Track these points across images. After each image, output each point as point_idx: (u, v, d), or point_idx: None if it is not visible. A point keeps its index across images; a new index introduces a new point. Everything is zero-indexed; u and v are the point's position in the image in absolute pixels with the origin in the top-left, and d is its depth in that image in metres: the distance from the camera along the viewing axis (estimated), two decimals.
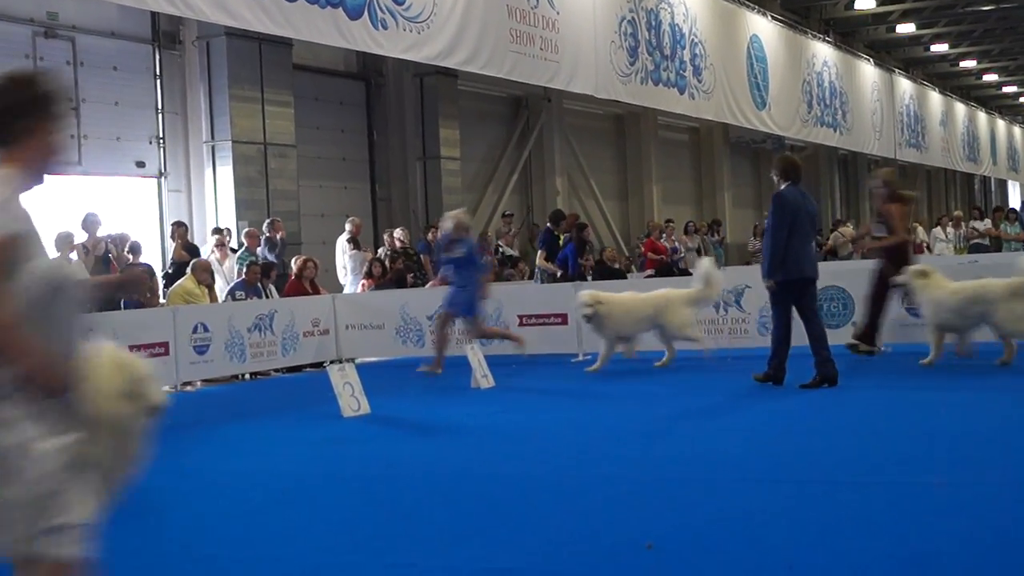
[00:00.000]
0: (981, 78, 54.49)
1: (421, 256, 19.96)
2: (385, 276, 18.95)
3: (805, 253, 12.05)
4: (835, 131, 39.86)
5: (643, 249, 25.02)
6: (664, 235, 25.35)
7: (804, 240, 12.06)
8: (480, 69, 22.42)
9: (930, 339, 13.18)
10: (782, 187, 12.29)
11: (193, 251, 18.00)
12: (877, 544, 5.69)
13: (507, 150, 28.56)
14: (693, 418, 10.65)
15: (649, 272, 22.99)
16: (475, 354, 13.72)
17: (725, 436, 9.41)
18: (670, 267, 23.45)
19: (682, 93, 29.69)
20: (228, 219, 19.78)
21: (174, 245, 18.16)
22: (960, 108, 54.50)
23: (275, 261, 18.09)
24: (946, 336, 13.27)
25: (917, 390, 11.57)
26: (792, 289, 11.98)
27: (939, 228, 30.18)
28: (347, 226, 20.18)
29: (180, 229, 18.35)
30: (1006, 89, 58.17)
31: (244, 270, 17.35)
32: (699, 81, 30.50)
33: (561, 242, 19.30)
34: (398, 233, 20.16)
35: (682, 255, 25.55)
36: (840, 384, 11.68)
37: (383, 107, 24.92)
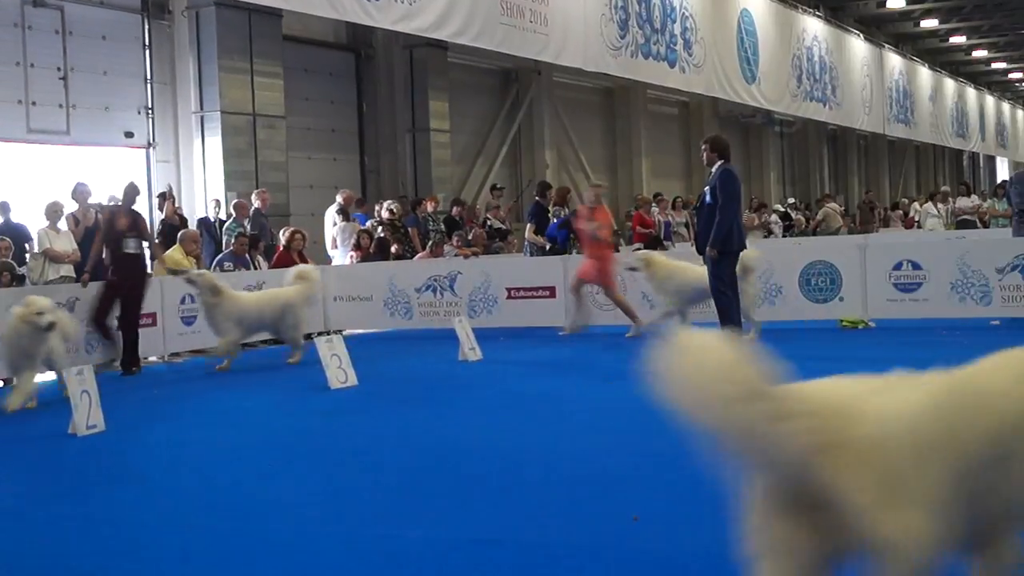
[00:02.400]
0: (971, 54, 54.47)
1: (409, 229, 19.94)
2: (372, 248, 18.93)
3: (742, 226, 13.32)
4: (825, 106, 39.86)
5: (632, 223, 25.00)
6: (658, 208, 25.32)
7: (741, 214, 13.33)
8: (470, 41, 22.39)
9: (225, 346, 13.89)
10: (718, 164, 12.88)
11: (183, 221, 17.95)
12: None
13: (496, 123, 28.51)
14: None
15: (637, 246, 22.97)
16: (463, 326, 13.74)
17: None
18: (659, 241, 23.44)
19: (672, 67, 29.68)
20: (217, 190, 19.75)
21: (164, 211, 18.03)
22: (949, 84, 54.53)
23: (255, 232, 18.01)
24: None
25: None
26: (734, 261, 12.82)
27: (930, 204, 30.21)
28: (337, 197, 20.17)
29: (168, 200, 18.23)
30: (995, 65, 58.15)
31: (232, 241, 17.34)
32: (689, 55, 30.47)
33: (551, 214, 19.31)
34: (388, 204, 20.14)
35: (674, 228, 25.55)
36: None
37: (373, 79, 24.86)
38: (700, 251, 13.06)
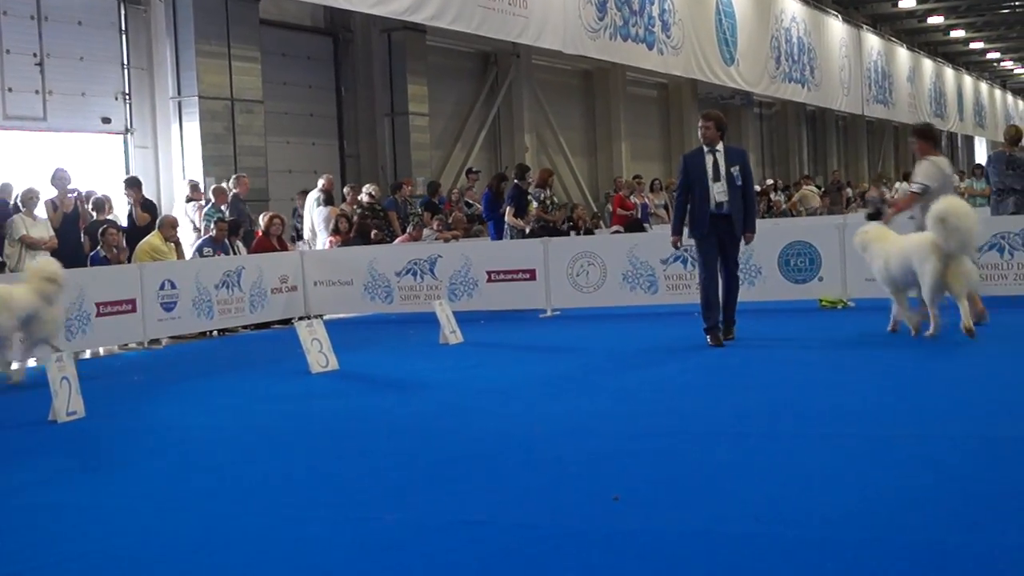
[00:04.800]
0: (948, 34, 54.55)
1: (388, 212, 19.92)
2: (351, 232, 18.89)
3: None
4: (803, 87, 39.93)
5: (612, 206, 25.06)
6: (633, 193, 25.37)
7: None
8: (449, 24, 22.33)
9: None
10: (720, 143, 12.14)
11: (151, 209, 17.70)
12: (841, 495, 5.76)
13: (475, 106, 28.48)
14: (660, 372, 10.71)
15: (616, 228, 23.04)
16: (443, 310, 13.74)
17: (691, 391, 9.49)
18: (638, 223, 23.47)
19: (651, 49, 29.66)
20: (195, 175, 19.67)
21: (129, 204, 17.76)
22: (927, 64, 54.63)
23: (236, 218, 17.93)
24: None
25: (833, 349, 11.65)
26: None
27: (907, 183, 30.29)
28: (320, 182, 20.16)
29: (134, 190, 17.79)
30: (973, 45, 58.26)
31: (212, 226, 17.29)
32: (668, 37, 30.46)
33: (531, 196, 19.33)
34: (368, 189, 20.09)
35: (651, 211, 25.61)
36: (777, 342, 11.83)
37: (351, 63, 24.79)
38: (698, 232, 11.98)
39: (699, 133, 12.28)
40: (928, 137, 12.52)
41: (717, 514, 5.59)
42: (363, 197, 19.78)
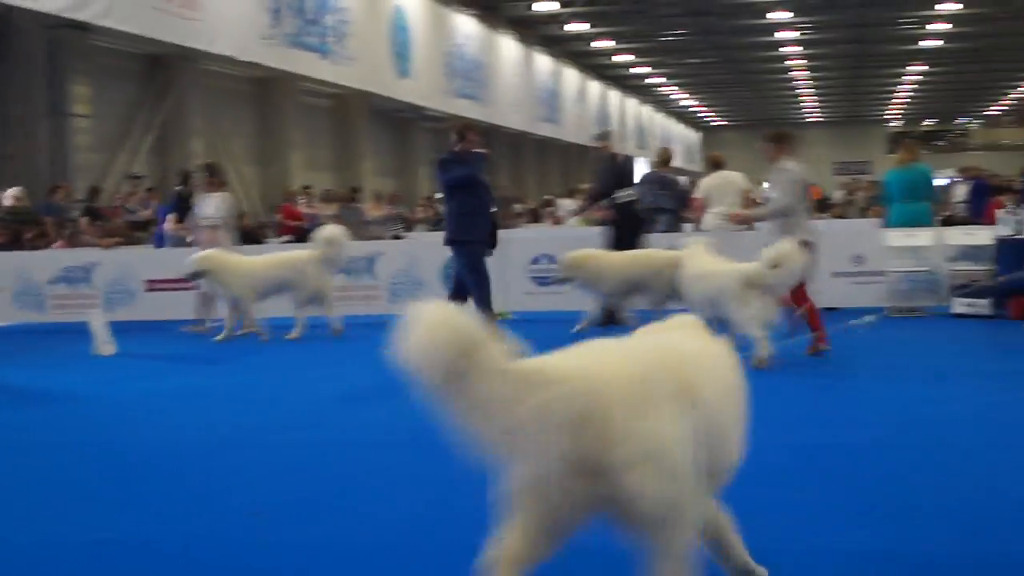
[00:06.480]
0: (611, 59, 56.73)
1: (43, 217, 19.14)
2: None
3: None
4: (475, 103, 40.76)
5: (281, 215, 24.92)
6: (305, 201, 25.31)
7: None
8: (116, 25, 21.67)
9: None
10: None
11: None
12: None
13: (143, 109, 27.68)
14: (321, 384, 10.72)
15: (287, 238, 22.92)
16: (97, 320, 13.31)
17: (344, 401, 9.57)
18: (307, 233, 23.42)
19: (324, 58, 29.67)
20: None
21: None
22: (594, 86, 56.86)
23: None
24: None
25: None
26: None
27: (570, 200, 31.49)
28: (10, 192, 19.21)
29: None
30: (635, 70, 60.74)
31: None
32: (342, 47, 30.53)
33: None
34: (14, 192, 19.21)
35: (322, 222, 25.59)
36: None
37: (9, 60, 23.64)
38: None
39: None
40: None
41: (347, 525, 5.68)
42: (8, 201, 18.90)
